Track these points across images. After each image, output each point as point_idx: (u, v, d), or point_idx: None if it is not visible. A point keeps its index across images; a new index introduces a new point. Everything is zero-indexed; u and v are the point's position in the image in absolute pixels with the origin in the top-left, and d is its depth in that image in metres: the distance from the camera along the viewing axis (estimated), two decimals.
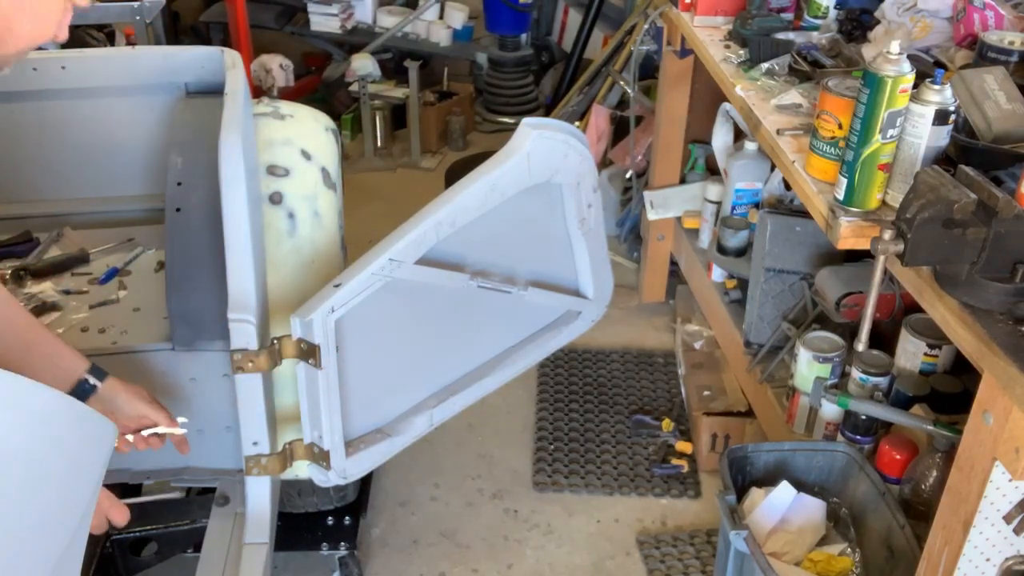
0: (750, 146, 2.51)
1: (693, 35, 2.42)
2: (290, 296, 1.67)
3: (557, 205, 1.80)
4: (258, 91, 3.91)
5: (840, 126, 1.55)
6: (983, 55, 1.72)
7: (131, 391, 1.51)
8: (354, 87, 4.19)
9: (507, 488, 2.47)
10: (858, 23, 2.14)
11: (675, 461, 2.51)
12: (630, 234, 3.40)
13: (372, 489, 2.32)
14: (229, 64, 1.72)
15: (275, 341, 1.55)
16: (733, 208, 2.60)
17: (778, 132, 1.80)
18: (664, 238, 3.04)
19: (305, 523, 2.04)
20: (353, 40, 4.55)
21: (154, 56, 1.94)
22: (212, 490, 1.78)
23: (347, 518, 2.07)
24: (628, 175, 3.36)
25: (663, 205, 2.97)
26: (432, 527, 2.34)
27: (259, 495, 1.67)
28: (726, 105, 2.62)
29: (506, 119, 4.55)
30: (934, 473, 1.72)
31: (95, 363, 1.48)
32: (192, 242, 1.67)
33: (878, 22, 2.09)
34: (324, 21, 4.52)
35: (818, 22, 2.23)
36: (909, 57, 1.43)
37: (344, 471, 1.65)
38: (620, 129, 3.50)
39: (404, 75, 4.26)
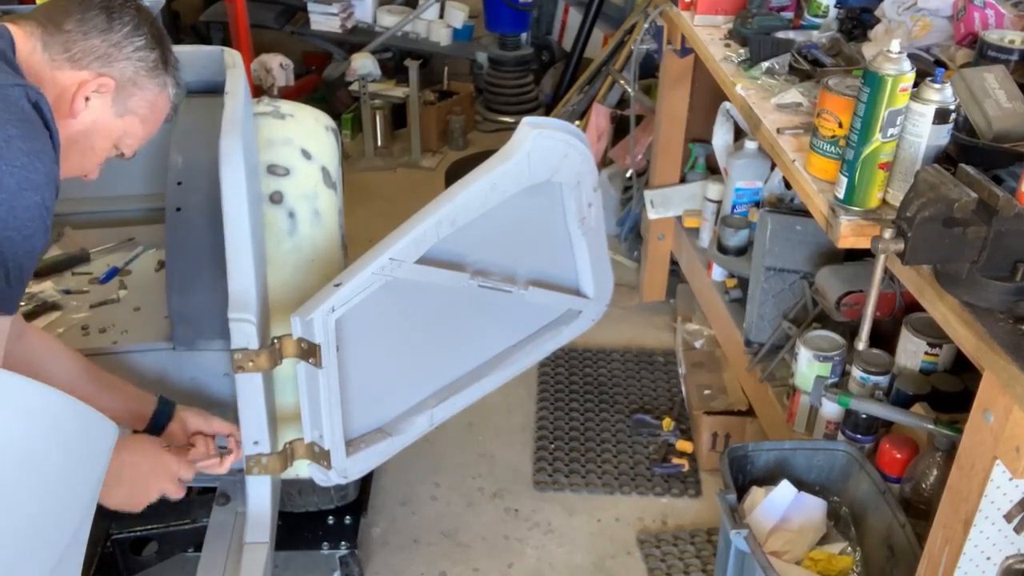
0: (750, 145, 2.51)
1: (693, 34, 2.42)
2: (290, 295, 1.67)
3: (557, 204, 1.80)
4: (258, 90, 3.92)
5: (840, 125, 1.55)
6: (983, 54, 1.72)
7: (194, 409, 1.66)
8: (354, 86, 4.19)
9: (508, 487, 2.47)
10: (858, 22, 2.14)
11: (676, 460, 2.51)
12: (630, 233, 3.40)
13: (373, 488, 2.32)
14: (229, 63, 1.72)
15: (275, 340, 1.55)
16: (733, 207, 2.60)
17: (778, 131, 1.80)
18: (664, 237, 3.04)
19: (306, 522, 2.04)
20: (353, 39, 4.55)
21: None
22: (213, 489, 1.78)
23: (348, 517, 2.06)
24: (628, 174, 3.36)
25: (663, 204, 2.97)
26: (433, 526, 2.34)
27: (260, 494, 1.67)
28: (726, 104, 2.61)
29: (506, 118, 4.55)
30: (935, 472, 1.72)
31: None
32: (192, 241, 1.67)
33: (878, 21, 2.09)
34: (324, 20, 4.52)
35: (818, 21, 2.23)
36: (909, 56, 1.43)
37: (345, 470, 1.65)
38: (620, 128, 3.50)
39: (404, 74, 4.25)
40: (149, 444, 1.51)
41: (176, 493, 1.52)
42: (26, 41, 1.27)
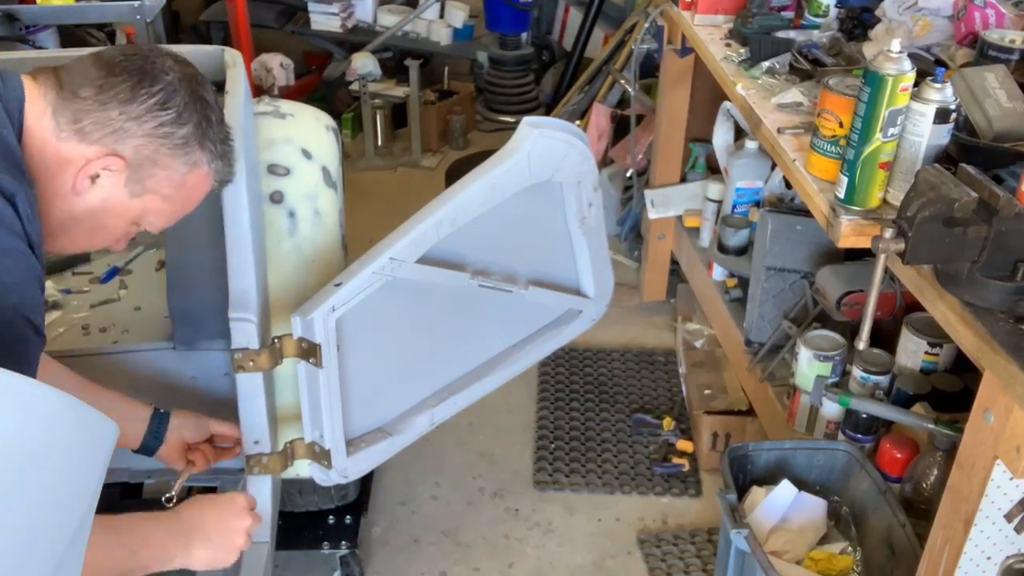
0: (751, 145, 2.51)
1: (694, 34, 2.42)
2: (291, 295, 1.67)
3: (558, 204, 1.80)
4: (259, 90, 3.91)
5: (841, 124, 1.55)
6: (984, 53, 1.72)
7: (192, 413, 1.64)
8: (355, 86, 4.19)
9: (508, 487, 2.47)
10: (859, 21, 2.14)
11: (676, 460, 2.51)
12: (631, 233, 3.40)
13: (373, 488, 2.32)
14: (229, 63, 1.72)
15: (276, 340, 1.55)
16: (734, 207, 2.60)
17: (779, 131, 1.80)
18: (665, 237, 3.04)
19: (306, 522, 2.04)
20: (354, 39, 4.55)
21: None
22: (213, 489, 1.78)
23: (348, 517, 2.07)
24: (629, 174, 3.36)
25: (664, 204, 2.97)
26: (433, 526, 2.34)
27: (260, 494, 1.67)
28: (727, 104, 2.61)
29: (507, 118, 4.55)
30: (935, 472, 1.72)
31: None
32: (193, 241, 1.67)
33: (879, 20, 2.09)
34: (324, 20, 4.52)
35: (819, 20, 2.22)
36: (910, 55, 1.43)
37: (345, 470, 1.65)
38: (621, 128, 3.50)
39: (405, 74, 4.25)
40: (227, 500, 1.44)
41: (247, 544, 1.43)
42: (37, 102, 1.15)
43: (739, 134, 2.69)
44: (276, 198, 1.70)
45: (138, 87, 1.17)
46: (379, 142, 4.28)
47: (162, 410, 1.61)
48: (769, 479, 1.90)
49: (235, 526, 1.40)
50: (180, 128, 1.20)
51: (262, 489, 1.66)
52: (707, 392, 2.55)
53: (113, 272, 1.96)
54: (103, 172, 1.17)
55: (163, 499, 1.60)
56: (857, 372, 1.96)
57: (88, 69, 1.17)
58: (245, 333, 1.51)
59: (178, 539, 1.33)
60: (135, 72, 1.17)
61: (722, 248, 2.57)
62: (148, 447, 1.59)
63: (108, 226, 1.23)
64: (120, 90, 1.16)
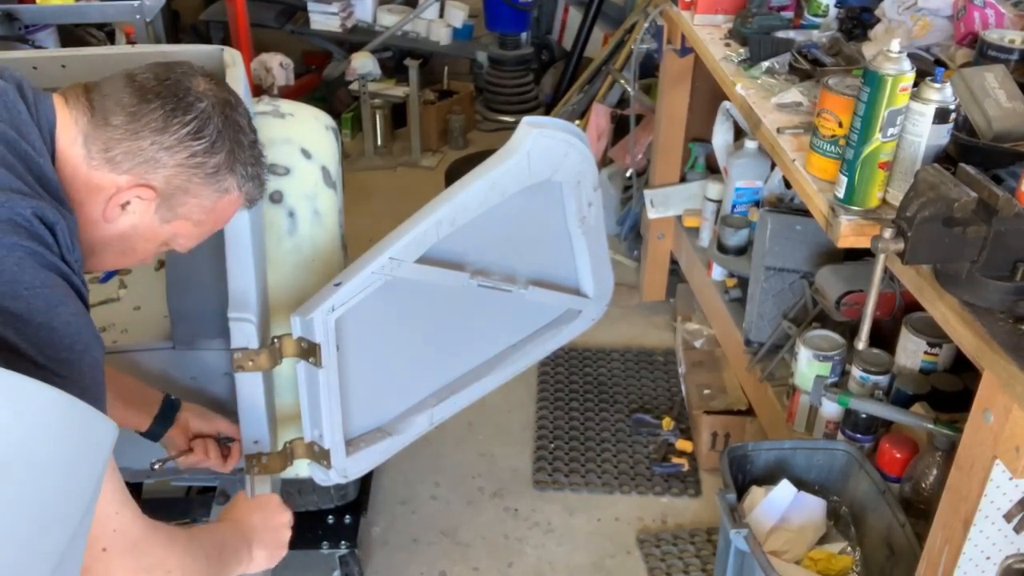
0: (750, 145, 2.51)
1: (693, 33, 2.42)
2: (290, 295, 1.67)
3: (557, 204, 1.80)
4: (258, 90, 3.91)
5: (840, 124, 1.55)
6: (983, 53, 1.72)
7: (196, 408, 1.67)
8: (354, 86, 4.19)
9: (507, 487, 2.47)
10: (858, 21, 2.14)
11: (675, 460, 2.51)
12: (630, 232, 3.40)
13: (372, 488, 2.32)
14: (229, 63, 1.72)
15: (275, 340, 1.55)
16: (733, 207, 2.60)
17: (778, 131, 1.80)
18: (664, 237, 3.04)
19: (305, 522, 2.04)
20: (353, 39, 4.55)
21: (154, 55, 1.93)
22: (213, 488, 1.78)
23: (347, 517, 2.07)
24: (628, 174, 3.36)
25: (663, 204, 2.97)
26: (432, 526, 2.34)
27: (260, 494, 1.67)
28: (726, 104, 2.61)
29: (506, 118, 4.55)
30: (934, 472, 1.72)
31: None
32: None
33: (878, 20, 2.09)
34: (324, 20, 4.52)
35: (818, 20, 2.22)
36: (909, 55, 1.43)
37: (344, 470, 1.65)
38: (620, 128, 3.50)
39: (404, 74, 4.26)
40: (265, 501, 1.50)
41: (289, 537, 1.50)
42: (68, 128, 1.14)
43: (739, 134, 2.69)
44: (276, 198, 1.70)
45: (171, 116, 1.15)
46: (379, 142, 4.28)
47: (173, 397, 1.64)
48: (768, 479, 1.90)
49: (279, 522, 1.46)
50: (212, 157, 1.18)
51: (262, 489, 1.67)
52: (707, 392, 2.55)
53: (112, 272, 1.96)
54: (134, 200, 1.16)
55: (150, 464, 1.64)
56: (856, 372, 1.96)
57: (120, 94, 1.15)
58: (244, 333, 1.52)
59: (243, 543, 1.38)
60: (169, 99, 1.15)
61: (721, 248, 2.58)
62: (155, 431, 1.61)
63: (138, 249, 1.23)
64: (153, 118, 1.14)
